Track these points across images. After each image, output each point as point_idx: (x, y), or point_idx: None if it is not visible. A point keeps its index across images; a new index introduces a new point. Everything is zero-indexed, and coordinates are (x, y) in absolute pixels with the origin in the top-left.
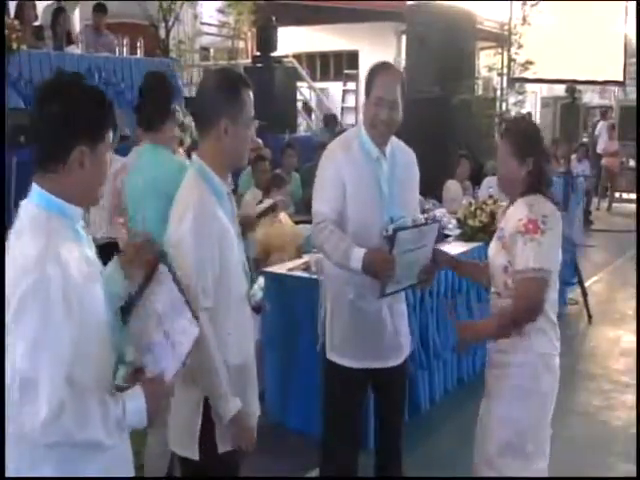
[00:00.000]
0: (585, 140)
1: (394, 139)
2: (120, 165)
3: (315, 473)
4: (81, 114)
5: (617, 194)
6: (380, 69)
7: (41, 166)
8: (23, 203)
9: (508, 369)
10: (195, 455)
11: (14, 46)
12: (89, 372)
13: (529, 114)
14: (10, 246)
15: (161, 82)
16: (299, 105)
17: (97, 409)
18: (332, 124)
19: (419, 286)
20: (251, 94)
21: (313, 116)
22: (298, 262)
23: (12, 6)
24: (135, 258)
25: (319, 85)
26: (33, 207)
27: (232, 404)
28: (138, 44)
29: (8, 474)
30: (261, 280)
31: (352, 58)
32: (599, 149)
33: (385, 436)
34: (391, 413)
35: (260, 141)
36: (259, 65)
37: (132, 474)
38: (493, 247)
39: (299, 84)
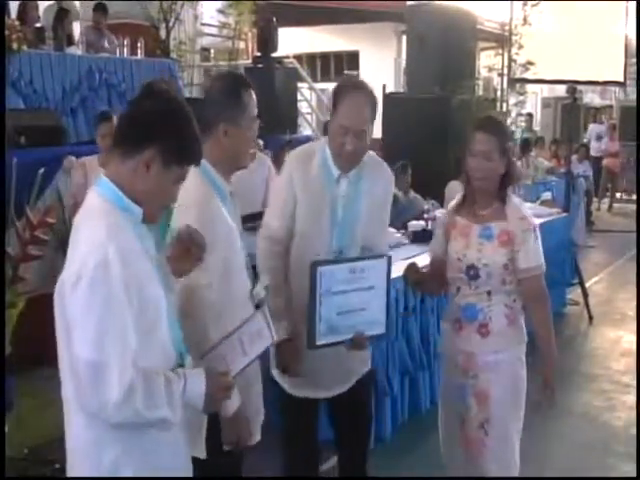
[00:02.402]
0: (585, 140)
1: (367, 155)
2: None
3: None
4: (175, 126)
5: (617, 194)
6: (347, 91)
7: (116, 157)
8: (89, 192)
9: (503, 367)
10: (202, 454)
11: (15, 46)
12: (148, 361)
13: (530, 115)
14: (74, 236)
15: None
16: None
17: (162, 387)
18: None
19: (350, 347)
20: (253, 94)
21: (314, 117)
22: None
23: (13, 6)
24: (183, 254)
25: (320, 86)
26: (97, 198)
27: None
28: (139, 45)
29: (78, 458)
30: (264, 278)
31: (353, 59)
32: (592, 152)
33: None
34: (349, 437)
35: (261, 142)
36: (260, 66)
37: (188, 463)
38: (486, 246)
39: (300, 85)
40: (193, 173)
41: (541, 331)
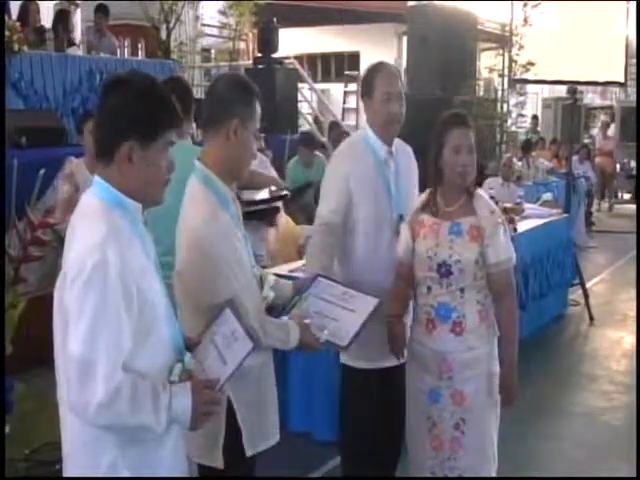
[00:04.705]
0: (587, 141)
1: None
2: None
3: (317, 474)
4: (134, 110)
5: (619, 195)
6: (378, 67)
7: (98, 158)
8: (85, 193)
9: (478, 364)
10: (220, 463)
11: (15, 47)
12: (145, 361)
13: (535, 117)
14: (70, 235)
15: (177, 86)
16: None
17: (149, 396)
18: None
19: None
20: (259, 106)
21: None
22: (299, 263)
23: (14, 6)
24: None
25: (320, 86)
26: (93, 198)
27: (292, 334)
28: (139, 45)
29: (74, 461)
30: (270, 278)
31: (353, 59)
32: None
33: (386, 435)
34: (396, 411)
35: (262, 142)
36: (260, 66)
37: (185, 468)
38: (457, 242)
39: (300, 85)
40: (194, 182)
41: (506, 327)
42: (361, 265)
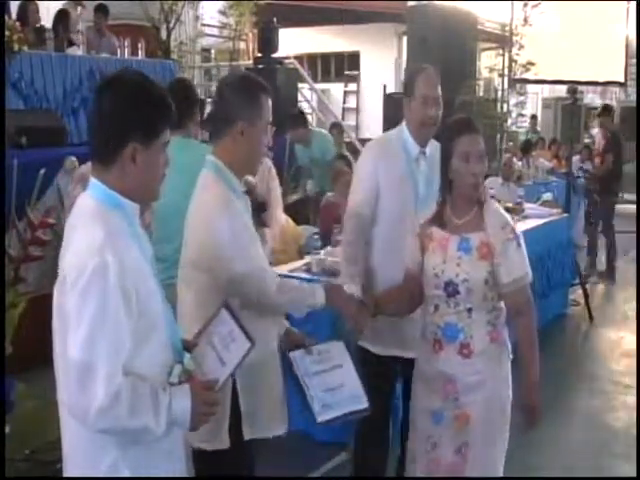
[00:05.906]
0: (587, 141)
1: None
2: None
3: (317, 474)
4: (135, 110)
5: (620, 194)
6: (420, 70)
7: (95, 160)
8: (81, 195)
9: (486, 387)
10: (225, 444)
11: (15, 47)
12: (145, 363)
13: (534, 117)
14: (68, 237)
15: (183, 87)
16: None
17: (149, 398)
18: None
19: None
20: (269, 100)
21: (314, 117)
22: (299, 263)
23: (14, 6)
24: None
25: (320, 86)
26: (91, 200)
27: (318, 294)
28: (139, 45)
29: (75, 463)
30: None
31: (353, 59)
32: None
33: None
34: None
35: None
36: (260, 66)
37: (184, 468)
38: (465, 260)
39: (300, 85)
40: (207, 174)
41: (525, 347)
42: (380, 259)
